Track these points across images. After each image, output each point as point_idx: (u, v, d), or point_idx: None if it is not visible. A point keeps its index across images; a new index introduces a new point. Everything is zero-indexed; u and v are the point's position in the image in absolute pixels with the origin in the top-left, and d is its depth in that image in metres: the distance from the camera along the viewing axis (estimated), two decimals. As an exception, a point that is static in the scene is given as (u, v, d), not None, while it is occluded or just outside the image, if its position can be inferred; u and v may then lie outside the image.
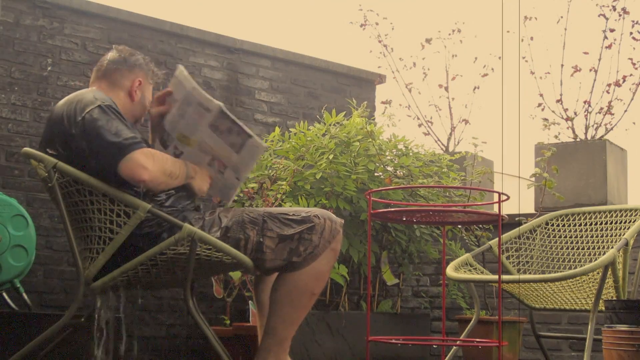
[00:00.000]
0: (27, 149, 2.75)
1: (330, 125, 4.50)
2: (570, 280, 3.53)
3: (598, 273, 3.52)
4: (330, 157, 4.26)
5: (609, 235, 3.97)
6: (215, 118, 2.63)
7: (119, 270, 2.63)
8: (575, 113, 5.41)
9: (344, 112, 4.65)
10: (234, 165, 2.73)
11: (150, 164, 2.54)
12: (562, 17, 5.53)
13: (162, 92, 2.82)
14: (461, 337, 3.90)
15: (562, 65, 5.48)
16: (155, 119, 2.85)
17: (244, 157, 2.69)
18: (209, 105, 2.62)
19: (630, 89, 5.35)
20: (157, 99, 2.84)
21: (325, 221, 2.69)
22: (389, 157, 4.60)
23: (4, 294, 3.76)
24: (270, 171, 4.37)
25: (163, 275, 2.70)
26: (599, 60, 5.40)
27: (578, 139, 5.34)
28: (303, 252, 2.65)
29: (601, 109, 5.36)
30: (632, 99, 5.33)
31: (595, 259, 3.76)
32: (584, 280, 3.60)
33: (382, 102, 5.49)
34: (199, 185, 2.78)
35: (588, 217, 4.10)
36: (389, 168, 4.59)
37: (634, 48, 5.37)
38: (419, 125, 6.03)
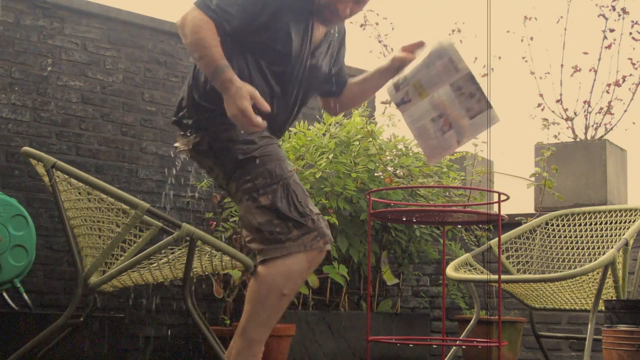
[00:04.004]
0: (26, 148, 2.75)
1: (330, 125, 4.50)
2: (570, 280, 3.53)
3: (598, 273, 3.52)
4: (330, 156, 4.26)
5: (609, 235, 3.97)
6: (460, 79, 2.65)
7: (117, 269, 2.63)
8: (575, 113, 5.42)
9: (344, 112, 4.65)
10: (461, 129, 2.71)
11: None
12: (562, 17, 5.53)
13: (414, 43, 2.83)
14: (461, 337, 3.90)
15: (562, 65, 5.48)
16: (396, 64, 2.86)
17: (475, 124, 2.67)
18: (459, 65, 2.65)
19: (630, 89, 5.35)
20: (406, 48, 2.85)
21: (315, 230, 2.62)
22: (389, 157, 4.60)
23: (4, 294, 3.76)
24: (270, 171, 4.37)
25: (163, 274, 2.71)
26: (599, 60, 5.40)
27: (578, 139, 5.34)
28: (277, 235, 2.58)
29: (601, 109, 5.36)
30: (631, 99, 5.33)
31: (595, 259, 3.76)
32: (583, 280, 3.59)
33: (382, 102, 5.49)
34: (228, 107, 2.50)
35: (588, 217, 4.10)
36: (389, 168, 4.59)
37: (633, 48, 5.37)
38: (419, 125, 6.02)
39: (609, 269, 3.48)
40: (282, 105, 2.75)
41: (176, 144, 2.72)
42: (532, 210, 4.98)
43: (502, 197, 3.18)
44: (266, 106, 2.50)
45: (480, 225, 4.72)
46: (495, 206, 3.35)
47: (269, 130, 2.68)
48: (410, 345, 4.42)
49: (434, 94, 2.70)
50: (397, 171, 4.56)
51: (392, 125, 4.77)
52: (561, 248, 4.12)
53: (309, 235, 2.61)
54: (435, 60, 2.71)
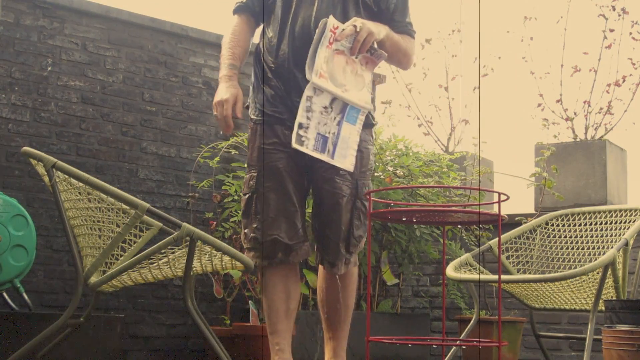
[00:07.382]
0: (26, 148, 2.75)
1: (330, 125, 4.48)
2: (570, 280, 3.53)
3: (598, 273, 3.52)
4: (330, 157, 4.25)
5: (609, 235, 3.97)
6: None
7: (117, 269, 2.63)
8: (575, 113, 5.42)
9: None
10: None
11: None
12: (562, 17, 5.54)
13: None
14: (461, 337, 3.90)
15: (562, 66, 5.49)
16: None
17: None
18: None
19: (629, 89, 5.36)
20: None
21: (253, 249, 2.75)
22: (389, 157, 4.60)
23: (5, 294, 3.76)
24: (270, 171, 4.37)
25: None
26: (599, 60, 5.41)
27: (578, 139, 5.34)
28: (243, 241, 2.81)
29: (601, 109, 5.36)
30: (631, 99, 5.34)
31: (595, 259, 3.76)
32: (583, 280, 3.59)
33: (382, 102, 5.50)
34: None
35: (588, 217, 4.10)
36: (389, 167, 4.59)
37: (633, 48, 5.38)
38: (419, 125, 6.03)
39: (609, 269, 3.48)
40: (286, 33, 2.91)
41: None
42: (532, 210, 4.98)
43: (502, 197, 3.17)
44: (238, 113, 2.91)
45: (480, 225, 4.72)
46: (495, 206, 3.34)
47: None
48: (410, 345, 4.42)
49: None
50: (397, 171, 4.56)
51: (392, 125, 4.79)
52: (561, 248, 4.12)
53: (255, 252, 2.71)
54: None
